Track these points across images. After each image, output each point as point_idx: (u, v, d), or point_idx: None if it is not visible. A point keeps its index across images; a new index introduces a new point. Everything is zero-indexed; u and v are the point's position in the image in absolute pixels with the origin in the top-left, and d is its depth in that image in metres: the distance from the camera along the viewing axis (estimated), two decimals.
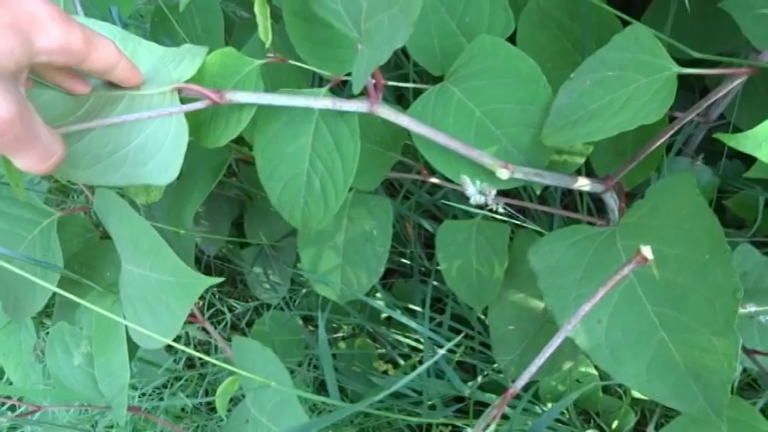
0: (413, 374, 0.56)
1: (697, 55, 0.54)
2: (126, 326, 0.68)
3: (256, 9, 0.56)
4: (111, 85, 0.52)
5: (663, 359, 0.52)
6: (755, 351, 0.70)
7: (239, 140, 0.82)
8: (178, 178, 0.62)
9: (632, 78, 0.53)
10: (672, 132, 0.58)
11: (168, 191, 0.79)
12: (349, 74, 0.59)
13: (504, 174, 0.56)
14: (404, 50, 0.88)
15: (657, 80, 0.53)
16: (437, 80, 0.62)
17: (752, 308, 0.73)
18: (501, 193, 0.75)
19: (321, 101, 0.56)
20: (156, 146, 0.52)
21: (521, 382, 0.44)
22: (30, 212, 0.72)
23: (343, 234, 0.76)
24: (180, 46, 0.55)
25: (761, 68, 0.52)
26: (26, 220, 0.72)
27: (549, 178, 0.58)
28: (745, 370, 0.89)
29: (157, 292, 0.60)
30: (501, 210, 0.54)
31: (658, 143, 0.59)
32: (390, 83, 0.68)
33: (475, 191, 0.51)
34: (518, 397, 0.89)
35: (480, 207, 0.56)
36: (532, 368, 0.44)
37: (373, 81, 0.54)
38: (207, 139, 0.60)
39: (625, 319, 0.53)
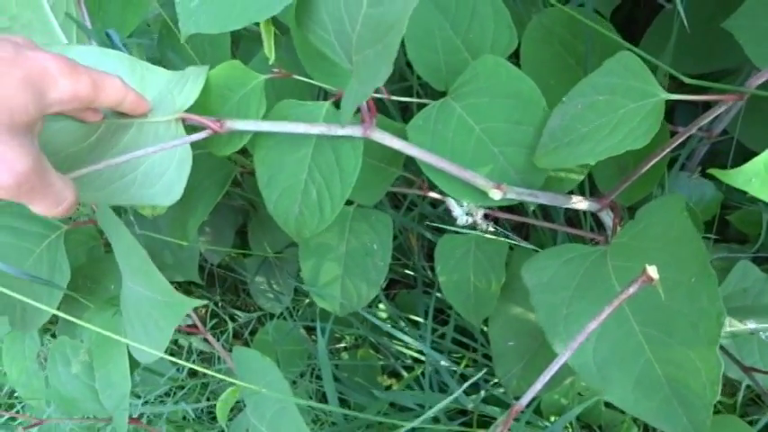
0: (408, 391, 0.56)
1: (687, 80, 0.54)
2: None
3: (262, 28, 0.58)
4: (121, 114, 0.54)
5: (649, 379, 0.53)
6: (754, 369, 0.70)
7: (244, 152, 0.83)
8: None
9: (621, 103, 0.54)
10: (674, 146, 0.59)
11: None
12: None
13: (496, 195, 0.57)
14: (409, 64, 0.88)
15: (645, 105, 0.53)
16: (441, 95, 0.63)
17: (752, 324, 0.74)
18: (503, 208, 0.76)
19: (317, 127, 0.57)
20: (161, 170, 0.55)
21: (525, 399, 0.45)
22: (37, 226, 0.74)
23: (345, 247, 0.77)
24: (185, 68, 0.58)
25: (764, 85, 0.52)
26: (34, 234, 0.74)
27: (542, 198, 0.59)
28: (748, 387, 0.89)
29: (149, 309, 0.63)
30: (491, 228, 0.55)
31: (659, 158, 0.59)
32: (394, 97, 0.69)
33: (462, 212, 0.52)
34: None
35: (470, 228, 0.56)
36: (537, 385, 0.45)
37: (367, 107, 0.56)
38: (213, 146, 0.62)
39: (613, 338, 0.54)
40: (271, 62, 0.59)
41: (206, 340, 0.86)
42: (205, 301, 0.59)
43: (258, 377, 0.68)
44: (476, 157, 0.60)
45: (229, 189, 1.06)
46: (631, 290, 0.45)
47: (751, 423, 0.76)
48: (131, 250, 0.62)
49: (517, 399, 0.85)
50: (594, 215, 0.83)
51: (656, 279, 0.44)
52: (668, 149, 0.59)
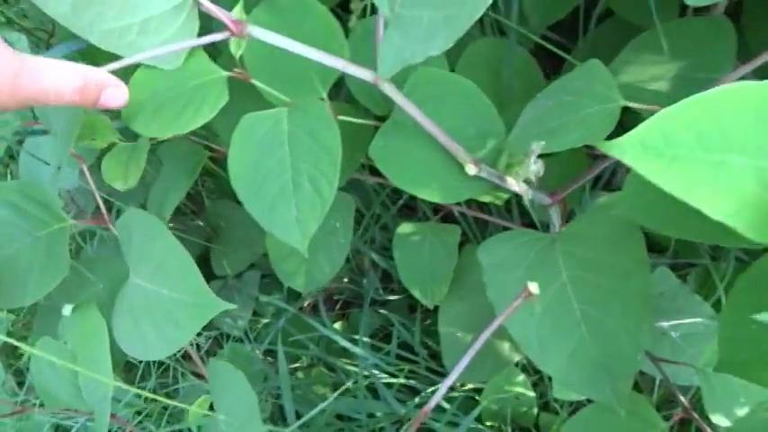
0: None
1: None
2: (113, 337, 0.71)
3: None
4: None
5: (582, 352, 0.59)
6: (663, 359, 0.77)
7: (215, 139, 0.86)
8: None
9: (587, 104, 0.60)
10: (600, 168, 0.67)
11: (145, 192, 0.85)
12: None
13: (472, 170, 0.62)
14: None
15: (606, 109, 0.59)
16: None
17: (665, 323, 0.81)
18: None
19: (338, 61, 0.56)
20: (164, 25, 0.53)
21: (448, 381, 0.53)
22: (43, 212, 0.73)
23: None
24: None
25: None
26: (37, 219, 0.73)
27: (507, 183, 0.64)
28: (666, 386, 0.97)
29: (169, 309, 0.64)
30: (530, 196, 0.63)
31: (585, 179, 0.68)
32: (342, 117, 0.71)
33: (532, 161, 0.60)
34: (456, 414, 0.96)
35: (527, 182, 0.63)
36: (461, 365, 0.53)
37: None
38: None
39: (555, 315, 0.61)
40: (237, 56, 0.60)
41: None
42: (234, 306, 0.60)
43: (228, 389, 0.73)
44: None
45: (191, 215, 1.12)
46: (515, 304, 0.54)
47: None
48: (170, 251, 0.63)
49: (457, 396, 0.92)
50: (529, 220, 0.92)
51: (535, 294, 0.54)
52: (595, 172, 0.68)
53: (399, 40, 0.49)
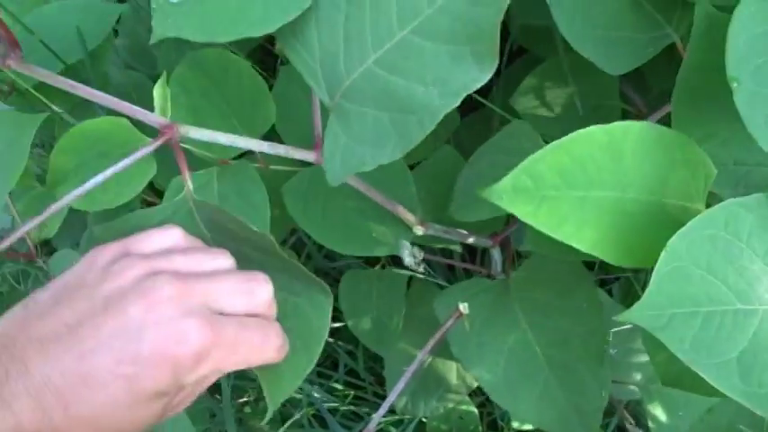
0: None
1: None
2: None
3: (155, 92, 0.52)
4: None
5: (549, 394, 0.61)
6: None
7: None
8: None
9: (518, 162, 0.58)
10: None
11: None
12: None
13: (419, 230, 0.62)
14: None
15: None
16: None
17: None
18: None
19: (273, 146, 0.53)
20: None
21: (382, 410, 0.55)
22: None
23: None
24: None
25: None
26: None
27: (452, 234, 0.66)
28: None
29: None
30: (422, 270, 0.63)
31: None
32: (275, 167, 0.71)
33: (409, 253, 0.61)
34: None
35: (409, 269, 0.63)
36: (401, 382, 0.55)
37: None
38: None
39: (519, 361, 0.62)
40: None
41: None
42: None
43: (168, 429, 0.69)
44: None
45: None
46: (449, 324, 0.56)
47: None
48: None
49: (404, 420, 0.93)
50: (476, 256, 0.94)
51: (465, 313, 0.56)
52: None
53: (345, 138, 0.46)
